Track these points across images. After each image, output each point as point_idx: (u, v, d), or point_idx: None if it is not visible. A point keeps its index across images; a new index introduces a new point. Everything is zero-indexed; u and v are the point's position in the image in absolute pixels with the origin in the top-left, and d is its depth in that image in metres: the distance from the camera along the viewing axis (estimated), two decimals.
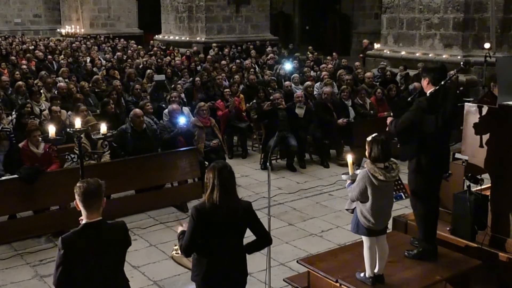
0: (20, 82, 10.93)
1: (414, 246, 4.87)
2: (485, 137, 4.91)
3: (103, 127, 5.85)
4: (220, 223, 3.67)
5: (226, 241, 3.73)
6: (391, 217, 4.73)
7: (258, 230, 3.84)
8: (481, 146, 4.91)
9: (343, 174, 4.53)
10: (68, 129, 5.81)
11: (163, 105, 10.23)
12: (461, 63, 4.96)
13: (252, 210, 3.83)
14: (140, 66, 15.48)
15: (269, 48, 19.91)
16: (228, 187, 3.69)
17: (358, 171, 4.33)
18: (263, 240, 3.90)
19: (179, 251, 4.28)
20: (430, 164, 4.65)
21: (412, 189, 4.88)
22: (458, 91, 11.66)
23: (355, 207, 4.29)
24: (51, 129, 5.59)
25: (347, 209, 4.51)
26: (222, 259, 3.73)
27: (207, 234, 3.67)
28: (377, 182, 4.08)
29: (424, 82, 4.77)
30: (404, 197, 5.40)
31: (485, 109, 4.91)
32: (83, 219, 3.42)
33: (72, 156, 6.31)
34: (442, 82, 4.58)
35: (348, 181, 4.36)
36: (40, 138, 7.02)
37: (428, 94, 4.66)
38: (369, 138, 4.20)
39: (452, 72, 5.84)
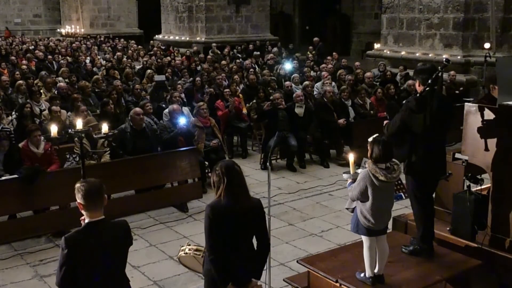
0: (20, 81, 10.93)
1: (411, 243, 4.89)
2: (488, 138, 4.91)
3: (105, 127, 5.85)
4: (235, 219, 3.68)
5: (240, 237, 3.74)
6: (391, 217, 4.74)
7: (261, 229, 3.85)
8: (486, 150, 4.89)
9: (344, 173, 4.53)
10: (69, 130, 5.81)
11: (163, 105, 10.23)
12: (444, 59, 4.96)
13: (262, 207, 3.86)
14: (138, 67, 15.47)
15: (273, 49, 19.86)
16: (241, 184, 3.75)
17: (359, 171, 4.34)
18: (263, 244, 3.87)
19: (187, 251, 4.27)
20: (422, 165, 4.66)
21: (409, 190, 4.90)
22: (457, 91, 11.68)
23: (355, 207, 4.29)
24: (53, 129, 5.59)
25: (347, 208, 4.52)
26: (235, 254, 3.73)
27: (222, 230, 3.68)
28: (378, 183, 4.09)
29: (416, 83, 4.85)
30: (404, 197, 5.41)
31: (485, 110, 4.91)
32: (86, 219, 3.42)
33: (74, 156, 6.32)
34: (429, 81, 4.61)
35: (349, 180, 4.37)
36: (41, 138, 7.01)
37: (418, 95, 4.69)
38: (370, 139, 4.23)
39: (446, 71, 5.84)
